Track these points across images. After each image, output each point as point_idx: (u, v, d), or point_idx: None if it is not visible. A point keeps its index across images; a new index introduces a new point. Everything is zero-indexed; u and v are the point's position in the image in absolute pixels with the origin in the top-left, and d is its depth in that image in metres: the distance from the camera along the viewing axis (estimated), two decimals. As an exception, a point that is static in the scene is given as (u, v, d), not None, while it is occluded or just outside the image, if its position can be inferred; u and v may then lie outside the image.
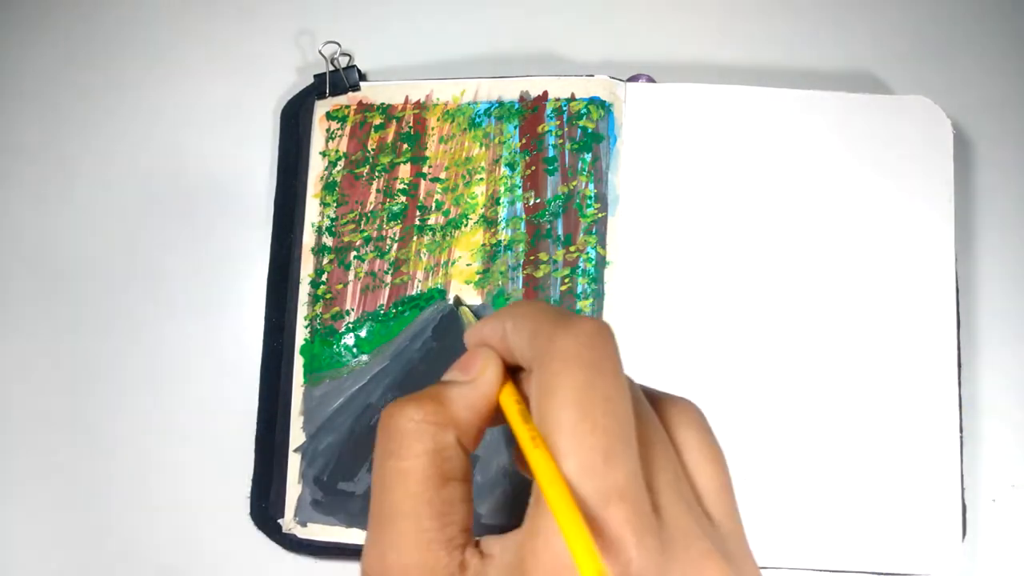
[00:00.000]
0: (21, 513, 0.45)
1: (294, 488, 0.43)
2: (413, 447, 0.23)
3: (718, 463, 0.25)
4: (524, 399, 0.24)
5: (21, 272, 0.48)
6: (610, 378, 0.22)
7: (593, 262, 0.44)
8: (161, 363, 0.47)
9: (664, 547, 0.21)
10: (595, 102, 0.46)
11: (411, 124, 0.47)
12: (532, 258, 0.45)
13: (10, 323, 0.48)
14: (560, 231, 0.45)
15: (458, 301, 0.38)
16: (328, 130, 0.47)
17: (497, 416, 0.25)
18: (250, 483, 0.45)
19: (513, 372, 0.26)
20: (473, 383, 0.25)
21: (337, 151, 0.46)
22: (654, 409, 0.25)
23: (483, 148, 0.46)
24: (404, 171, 0.46)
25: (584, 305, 0.44)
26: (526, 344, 0.24)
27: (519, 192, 0.45)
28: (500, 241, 0.45)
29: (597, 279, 0.44)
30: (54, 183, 0.49)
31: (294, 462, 0.43)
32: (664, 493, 0.22)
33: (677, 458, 0.24)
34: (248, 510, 0.44)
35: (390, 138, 0.46)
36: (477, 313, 0.38)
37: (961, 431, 0.43)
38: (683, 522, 0.22)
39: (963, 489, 0.42)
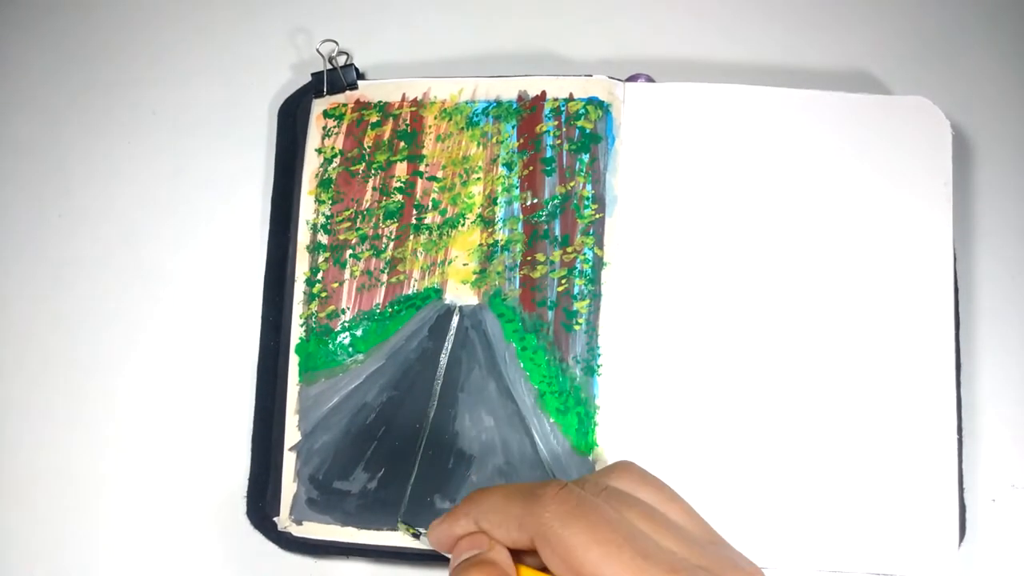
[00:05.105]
0: (20, 513, 0.45)
1: (289, 487, 0.43)
2: None
3: (676, 499, 0.30)
4: (542, 568, 0.28)
5: (21, 272, 0.48)
6: (595, 512, 0.27)
7: (590, 263, 0.44)
8: (157, 361, 0.47)
9: None
10: (593, 102, 0.46)
11: (408, 122, 0.46)
12: (529, 258, 0.44)
13: (9, 322, 0.48)
14: (557, 232, 0.45)
15: (407, 528, 0.38)
16: (325, 127, 0.47)
17: None
18: (246, 482, 0.45)
19: None
20: (498, 550, 0.29)
21: (333, 148, 0.46)
22: (611, 485, 0.30)
23: (480, 147, 0.46)
24: (401, 169, 0.46)
25: (581, 306, 0.44)
26: (513, 528, 0.28)
27: (516, 192, 0.45)
28: (497, 241, 0.45)
29: (594, 280, 0.44)
30: (53, 183, 0.49)
31: (290, 461, 0.43)
32: (677, 545, 0.27)
33: (656, 512, 0.29)
34: (244, 509, 0.44)
35: (387, 135, 0.46)
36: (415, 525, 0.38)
37: (960, 431, 0.42)
38: (706, 559, 0.27)
39: (962, 490, 0.42)
